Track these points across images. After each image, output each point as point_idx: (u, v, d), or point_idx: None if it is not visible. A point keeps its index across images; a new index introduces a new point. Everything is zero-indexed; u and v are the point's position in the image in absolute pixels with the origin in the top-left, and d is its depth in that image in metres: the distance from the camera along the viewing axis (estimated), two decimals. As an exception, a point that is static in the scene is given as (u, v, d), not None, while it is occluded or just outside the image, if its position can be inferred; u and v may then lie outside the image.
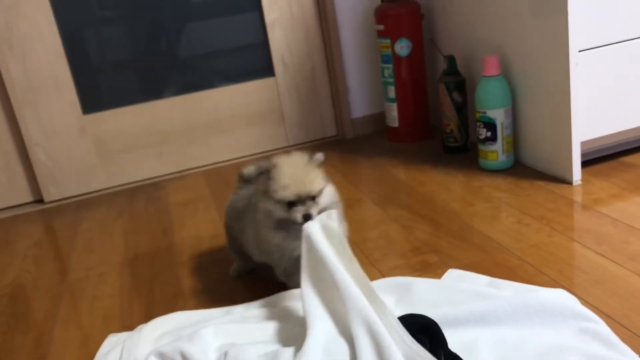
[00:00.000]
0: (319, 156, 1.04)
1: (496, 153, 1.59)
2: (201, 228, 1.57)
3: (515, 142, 1.62)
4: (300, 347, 0.88)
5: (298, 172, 1.00)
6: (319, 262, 0.94)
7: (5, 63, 1.82)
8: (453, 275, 1.13)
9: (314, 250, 0.95)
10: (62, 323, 1.21)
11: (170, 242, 1.52)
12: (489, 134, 1.57)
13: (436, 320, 0.93)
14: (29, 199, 1.99)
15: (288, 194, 0.99)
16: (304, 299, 0.95)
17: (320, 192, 1.02)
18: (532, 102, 1.53)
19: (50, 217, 1.85)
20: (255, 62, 2.08)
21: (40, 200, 1.99)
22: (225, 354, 0.92)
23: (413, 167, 1.75)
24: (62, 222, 1.79)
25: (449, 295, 1.02)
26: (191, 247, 1.46)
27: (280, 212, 1.02)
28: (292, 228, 1.03)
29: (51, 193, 1.96)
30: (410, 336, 0.85)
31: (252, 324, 1.03)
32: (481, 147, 1.61)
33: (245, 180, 1.22)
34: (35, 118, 1.89)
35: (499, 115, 1.55)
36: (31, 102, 1.88)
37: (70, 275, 1.42)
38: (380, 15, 1.91)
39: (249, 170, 1.21)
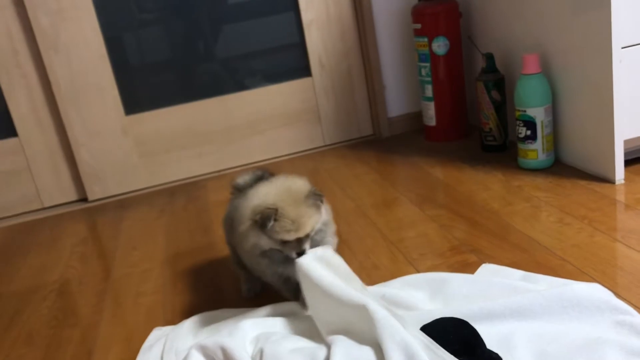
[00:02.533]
0: (317, 198, 1.02)
1: (536, 152, 1.57)
2: (240, 226, 1.59)
3: (555, 140, 1.60)
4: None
5: (299, 214, 0.99)
6: (320, 291, 0.96)
7: (51, 66, 1.88)
8: (487, 270, 1.14)
9: (313, 282, 0.97)
10: (107, 318, 1.25)
11: (210, 240, 1.55)
12: (528, 132, 1.55)
13: (471, 314, 0.94)
14: (74, 197, 2.05)
15: (289, 237, 1.00)
16: (317, 324, 0.97)
17: (314, 229, 1.02)
18: (573, 100, 1.51)
19: (94, 216, 1.90)
20: (292, 62, 2.10)
21: (84, 199, 2.05)
22: (261, 351, 0.93)
23: (451, 166, 1.74)
24: (106, 220, 1.84)
25: (484, 289, 1.03)
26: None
27: (271, 247, 1.02)
28: (275, 255, 1.03)
29: (95, 192, 2.02)
30: (435, 343, 0.84)
31: (288, 317, 1.05)
32: (521, 145, 1.60)
33: (239, 190, 1.17)
34: (80, 119, 1.95)
35: (538, 114, 1.53)
36: (76, 104, 1.94)
37: (115, 272, 1.46)
38: (417, 14, 1.90)
39: (244, 179, 1.17)
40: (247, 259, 1.09)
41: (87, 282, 1.43)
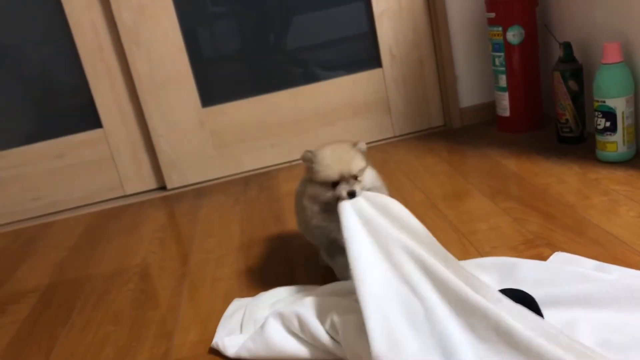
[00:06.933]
0: (362, 145, 1.12)
1: (615, 144, 1.51)
2: (311, 216, 1.63)
3: (637, 132, 1.54)
4: None
5: (339, 154, 1.09)
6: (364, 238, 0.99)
7: (133, 60, 1.98)
8: (559, 258, 1.13)
9: (358, 225, 0.99)
10: (186, 301, 1.31)
11: (282, 228, 1.59)
12: (607, 124, 1.50)
13: (537, 299, 0.94)
14: (154, 185, 2.15)
15: (331, 172, 1.07)
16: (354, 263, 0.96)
17: (361, 171, 1.08)
18: (657, 90, 1.44)
19: (173, 203, 1.99)
20: (362, 53, 2.11)
21: (163, 187, 2.14)
22: (332, 323, 0.97)
23: (525, 158, 1.71)
24: (183, 208, 1.92)
25: (553, 276, 1.03)
26: (302, 234, 1.52)
27: (325, 193, 1.08)
28: (334, 210, 1.06)
29: (173, 181, 2.11)
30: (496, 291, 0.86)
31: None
32: (599, 137, 1.54)
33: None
34: (159, 111, 2.04)
35: (619, 105, 1.48)
36: (156, 96, 2.02)
37: (192, 258, 1.53)
38: (491, 2, 1.86)
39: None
40: (306, 218, 1.15)
41: (166, 267, 1.51)
